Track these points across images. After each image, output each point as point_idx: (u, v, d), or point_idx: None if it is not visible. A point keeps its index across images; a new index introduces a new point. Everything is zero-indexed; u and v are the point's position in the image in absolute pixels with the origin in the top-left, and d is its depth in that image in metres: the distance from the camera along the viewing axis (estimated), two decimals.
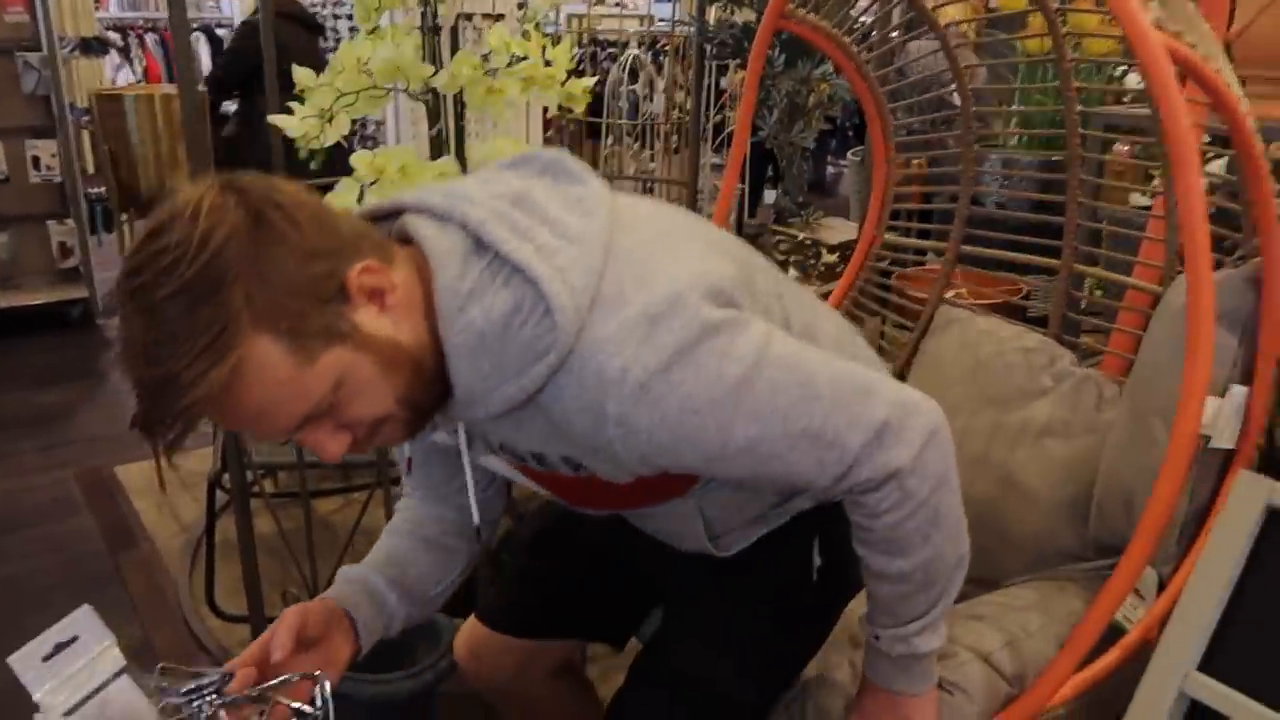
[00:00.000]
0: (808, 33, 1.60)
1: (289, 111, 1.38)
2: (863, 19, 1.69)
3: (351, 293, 0.78)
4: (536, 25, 1.42)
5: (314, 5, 5.94)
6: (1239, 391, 1.12)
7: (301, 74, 1.38)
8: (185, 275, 0.70)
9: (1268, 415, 1.21)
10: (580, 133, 4.41)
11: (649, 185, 4.01)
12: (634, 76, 4.13)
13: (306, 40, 4.17)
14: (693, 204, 2.61)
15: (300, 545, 2.01)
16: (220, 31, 6.62)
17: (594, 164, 4.38)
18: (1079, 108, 1.47)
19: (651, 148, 4.25)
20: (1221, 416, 1.12)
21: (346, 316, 0.77)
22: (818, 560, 1.08)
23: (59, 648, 0.87)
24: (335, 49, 1.40)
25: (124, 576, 2.41)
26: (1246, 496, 0.89)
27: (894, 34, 1.91)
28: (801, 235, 3.15)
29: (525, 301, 0.78)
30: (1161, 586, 1.20)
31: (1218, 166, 1.55)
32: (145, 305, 0.71)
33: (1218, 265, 1.28)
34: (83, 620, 0.90)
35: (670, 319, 0.77)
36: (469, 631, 1.29)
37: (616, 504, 1.07)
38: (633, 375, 0.76)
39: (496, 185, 0.86)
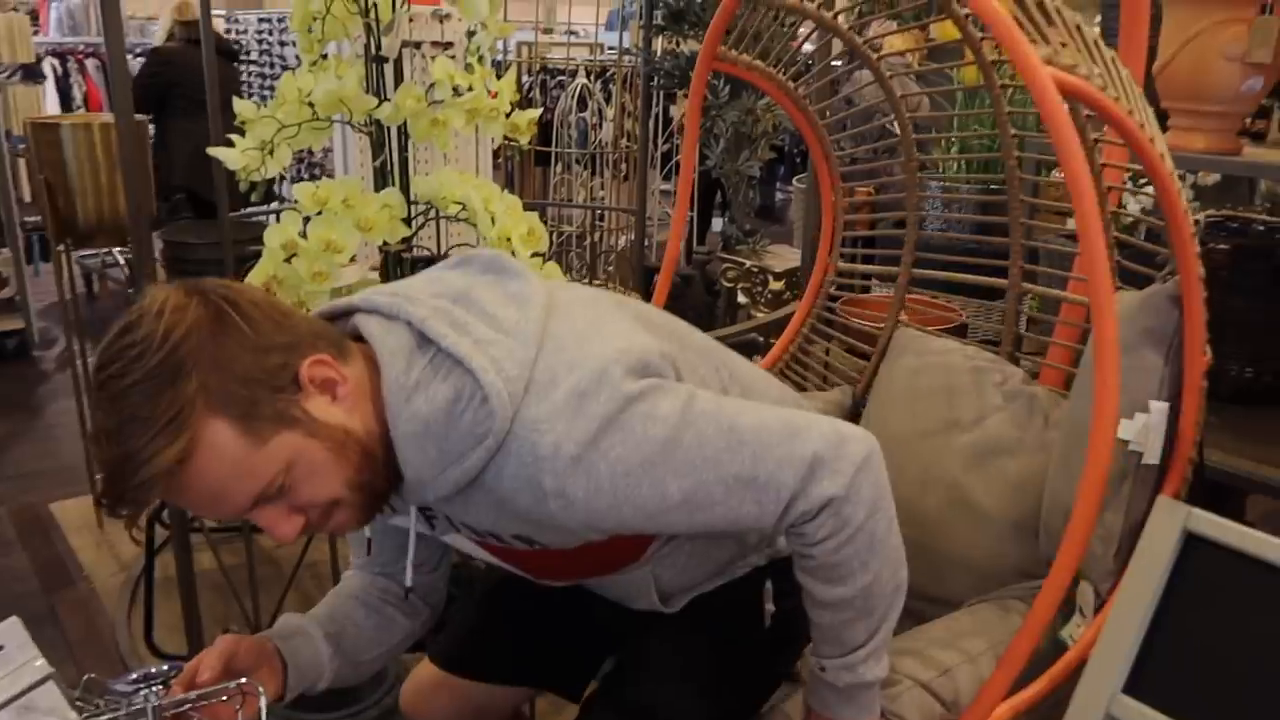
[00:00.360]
0: (743, 72, 1.63)
1: (227, 143, 1.38)
2: (805, 47, 1.71)
3: (303, 383, 0.84)
4: (480, 58, 1.43)
5: (260, 33, 5.90)
6: (1158, 407, 1.15)
7: (243, 106, 1.37)
8: (148, 365, 0.78)
9: (1198, 433, 1.23)
10: (528, 161, 4.43)
11: (600, 214, 4.03)
12: (583, 104, 4.16)
13: (224, 67, 4.17)
14: (641, 230, 2.63)
15: (242, 581, 1.97)
16: None
17: (544, 192, 4.40)
18: (1012, 131, 1.51)
19: (601, 175, 4.27)
20: (1148, 432, 1.15)
21: (298, 404, 0.84)
22: (771, 607, 1.10)
23: None
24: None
25: (60, 617, 2.34)
26: (1165, 521, 0.92)
27: (836, 63, 1.94)
28: (749, 263, 3.18)
29: (465, 391, 0.84)
30: (1102, 603, 1.21)
31: None
32: (113, 393, 0.79)
33: (1148, 281, 1.32)
34: (9, 631, 0.90)
35: (597, 394, 0.83)
36: (417, 678, 1.28)
37: (576, 574, 1.11)
38: (564, 449, 0.82)
39: (439, 285, 0.93)
